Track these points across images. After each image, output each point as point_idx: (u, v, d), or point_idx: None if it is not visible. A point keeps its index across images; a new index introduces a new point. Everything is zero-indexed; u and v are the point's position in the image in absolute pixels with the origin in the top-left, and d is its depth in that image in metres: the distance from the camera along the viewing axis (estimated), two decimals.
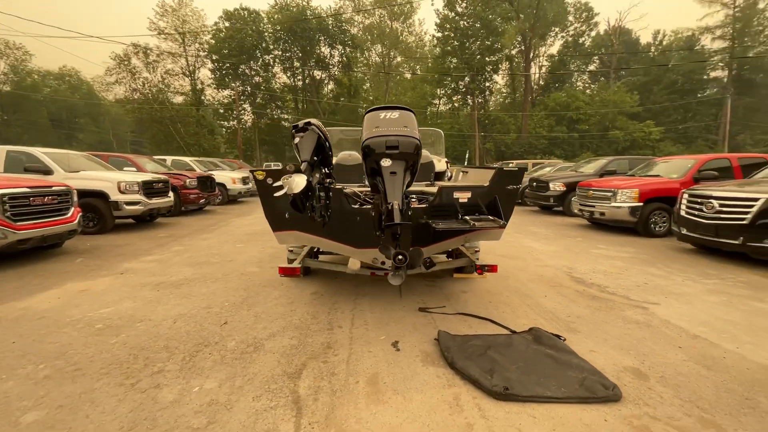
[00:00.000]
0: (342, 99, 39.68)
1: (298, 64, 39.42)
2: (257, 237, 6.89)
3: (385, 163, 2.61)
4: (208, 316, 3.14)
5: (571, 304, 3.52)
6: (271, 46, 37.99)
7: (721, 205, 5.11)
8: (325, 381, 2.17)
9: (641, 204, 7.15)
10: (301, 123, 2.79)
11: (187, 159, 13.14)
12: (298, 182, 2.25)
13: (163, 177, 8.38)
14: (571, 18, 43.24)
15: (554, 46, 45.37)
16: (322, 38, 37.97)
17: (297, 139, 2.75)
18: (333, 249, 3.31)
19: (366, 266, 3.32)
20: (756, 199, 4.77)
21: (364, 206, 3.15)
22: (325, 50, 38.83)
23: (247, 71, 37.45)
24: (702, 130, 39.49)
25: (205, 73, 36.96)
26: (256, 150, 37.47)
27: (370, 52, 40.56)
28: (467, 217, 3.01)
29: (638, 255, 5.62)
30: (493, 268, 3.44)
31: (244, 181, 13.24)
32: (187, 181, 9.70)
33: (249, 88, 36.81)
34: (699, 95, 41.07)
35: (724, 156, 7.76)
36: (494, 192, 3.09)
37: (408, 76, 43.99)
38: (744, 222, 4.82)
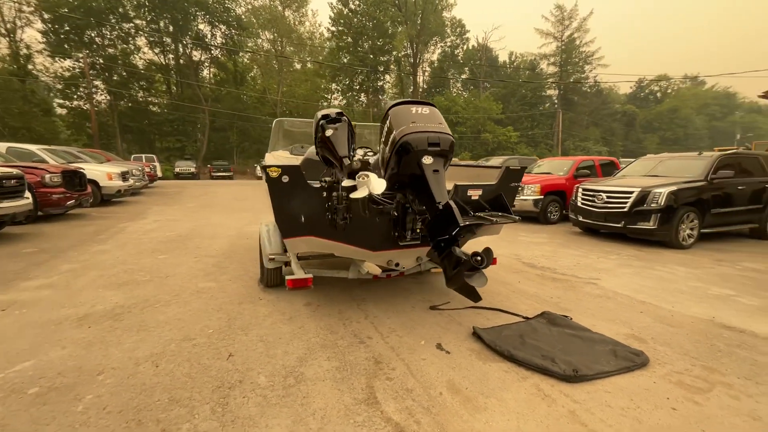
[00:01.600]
0: (226, 86, 35.69)
1: (169, 40, 33.67)
2: (179, 244, 5.72)
3: (427, 160, 2.50)
4: (200, 350, 2.49)
5: (543, 287, 4.02)
6: (132, 13, 31.42)
7: (608, 197, 6.55)
8: (408, 400, 1.99)
9: (542, 197, 8.58)
10: (332, 112, 2.44)
11: (32, 147, 9.86)
12: (378, 183, 1.97)
13: (15, 171, 6.16)
14: (448, 30, 48.28)
15: (434, 54, 50.02)
16: (200, 14, 33.26)
17: (330, 131, 2.40)
18: (349, 254, 3.00)
19: (385, 270, 3.13)
20: (631, 192, 6.26)
21: (384, 206, 2.95)
22: (205, 28, 34.17)
23: (98, 40, 30.13)
24: (543, 136, 49.32)
25: (32, 35, 28.16)
26: (116, 138, 30.69)
27: (259, 37, 37.42)
28: (481, 213, 3.13)
29: (553, 240, 6.75)
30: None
31: (124, 176, 10.75)
32: (48, 176, 7.35)
33: (101, 61, 29.69)
34: (540, 108, 51.05)
35: (590, 158, 9.91)
36: (500, 189, 3.29)
37: (298, 66, 42.24)
38: (624, 210, 6.28)
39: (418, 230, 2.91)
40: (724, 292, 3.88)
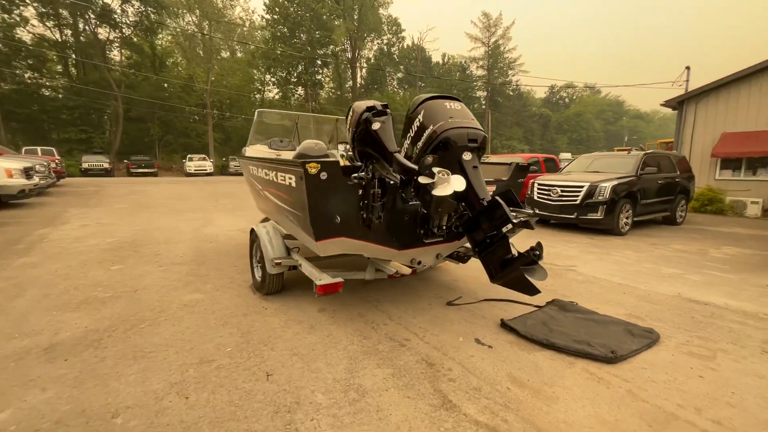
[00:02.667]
0: (143, 71, 31.61)
1: (66, 13, 28.66)
2: (130, 252, 4.94)
3: (467, 156, 2.48)
4: (230, 373, 2.17)
5: None
6: None
7: (562, 191, 7.23)
8: (482, 399, 1.97)
9: None
10: (377, 104, 2.27)
11: None
12: (459, 180, 1.87)
13: None
14: (385, 27, 48.78)
15: (371, 51, 50.22)
16: None
17: (377, 125, 2.23)
18: (377, 254, 2.85)
19: (410, 267, 3.04)
20: (582, 187, 6.99)
21: (412, 203, 2.86)
22: (113, 2, 29.73)
23: None
24: None
25: None
26: None
27: (182, 19, 33.65)
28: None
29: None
30: None
31: (28, 173, 8.93)
32: None
33: None
34: (471, 108, 54.36)
35: (536, 156, 10.83)
36: (510, 185, 3.41)
37: (226, 54, 39.08)
38: (576, 202, 7.00)
39: (444, 227, 2.89)
40: (674, 272, 4.54)
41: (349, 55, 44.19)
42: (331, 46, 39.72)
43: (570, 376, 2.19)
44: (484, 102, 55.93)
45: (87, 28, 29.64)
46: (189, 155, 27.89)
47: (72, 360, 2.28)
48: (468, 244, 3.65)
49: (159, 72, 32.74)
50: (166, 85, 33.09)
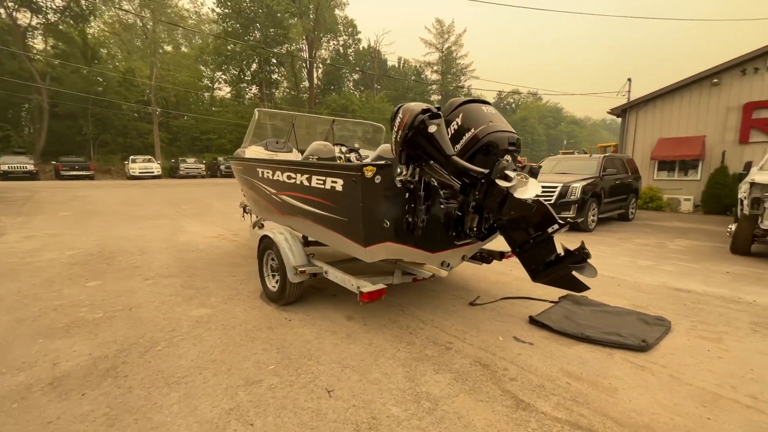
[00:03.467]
0: (72, 61, 28.31)
1: None
2: (103, 265, 4.40)
3: (507, 159, 2.52)
4: (286, 393, 2.01)
5: (525, 272, 4.50)
6: None
7: None
8: (550, 396, 2.01)
9: None
10: (431, 107, 2.23)
11: None
12: (536, 183, 1.89)
13: None
14: (341, 28, 48.47)
15: (327, 51, 49.65)
16: None
17: (433, 128, 2.19)
18: (414, 258, 2.79)
19: (444, 270, 3.02)
20: (556, 187, 7.48)
21: (449, 205, 2.85)
22: None
23: None
24: None
25: None
26: None
27: (120, 7, 30.55)
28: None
29: None
30: (510, 254, 3.91)
31: None
32: None
33: None
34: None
35: None
36: None
37: (169, 47, 36.29)
38: (551, 202, 7.46)
39: (474, 229, 2.92)
40: (648, 263, 5.02)
41: (305, 54, 43.28)
42: (286, 45, 38.57)
43: (615, 367, 2.32)
44: (436, 105, 57.77)
45: (3, 11, 25.93)
46: (131, 156, 25.50)
47: (91, 394, 1.97)
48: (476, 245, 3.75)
49: (91, 64, 29.54)
50: (100, 78, 29.93)
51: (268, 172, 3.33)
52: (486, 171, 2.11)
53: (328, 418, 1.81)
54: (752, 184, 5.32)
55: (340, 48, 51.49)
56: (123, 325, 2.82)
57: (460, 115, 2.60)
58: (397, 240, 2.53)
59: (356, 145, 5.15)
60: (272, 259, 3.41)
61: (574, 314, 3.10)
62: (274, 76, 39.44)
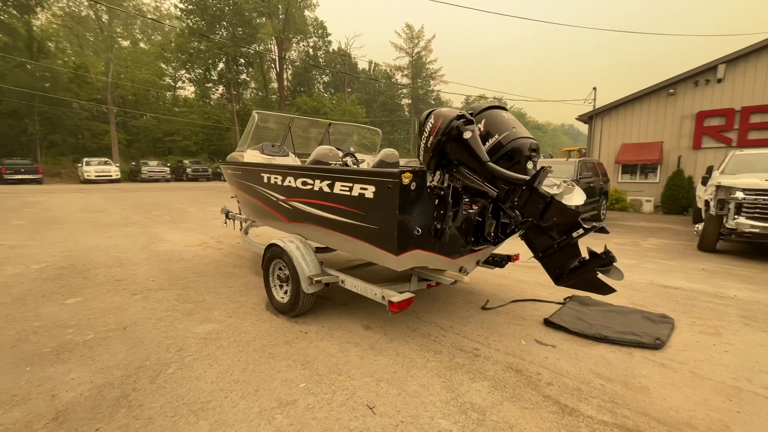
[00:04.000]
0: (15, 54, 25.87)
1: None
2: (78, 280, 4.01)
3: (530, 165, 2.56)
4: (326, 413, 1.89)
5: (528, 274, 4.61)
6: None
7: None
8: (590, 399, 2.04)
9: None
10: (464, 112, 2.20)
11: None
12: (580, 192, 1.89)
13: None
14: (311, 28, 47.88)
15: (299, 52, 48.88)
16: None
17: (468, 134, 2.17)
18: (437, 265, 2.75)
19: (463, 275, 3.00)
20: None
21: (469, 211, 2.84)
22: None
23: None
24: (402, 140, 54.65)
25: None
26: None
27: None
28: None
29: None
30: (516, 257, 3.96)
31: None
32: None
33: None
34: (398, 114, 56.48)
35: None
36: None
37: (125, 42, 34.08)
38: None
39: (491, 234, 2.94)
40: (631, 262, 5.30)
41: (274, 55, 42.33)
42: (254, 45, 37.50)
43: (639, 366, 2.40)
44: (407, 109, 58.40)
45: None
46: (85, 159, 23.68)
47: (107, 429, 1.75)
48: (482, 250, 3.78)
49: (38, 58, 27.16)
50: (48, 74, 27.56)
51: (275, 178, 3.17)
52: (527, 178, 2.12)
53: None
54: (718, 187, 5.78)
55: (310, 50, 50.88)
56: (121, 347, 2.56)
57: (483, 121, 2.61)
58: (424, 247, 2.48)
59: (351, 149, 5.06)
60: (280, 269, 3.26)
61: (585, 315, 3.20)
62: (242, 77, 38.15)
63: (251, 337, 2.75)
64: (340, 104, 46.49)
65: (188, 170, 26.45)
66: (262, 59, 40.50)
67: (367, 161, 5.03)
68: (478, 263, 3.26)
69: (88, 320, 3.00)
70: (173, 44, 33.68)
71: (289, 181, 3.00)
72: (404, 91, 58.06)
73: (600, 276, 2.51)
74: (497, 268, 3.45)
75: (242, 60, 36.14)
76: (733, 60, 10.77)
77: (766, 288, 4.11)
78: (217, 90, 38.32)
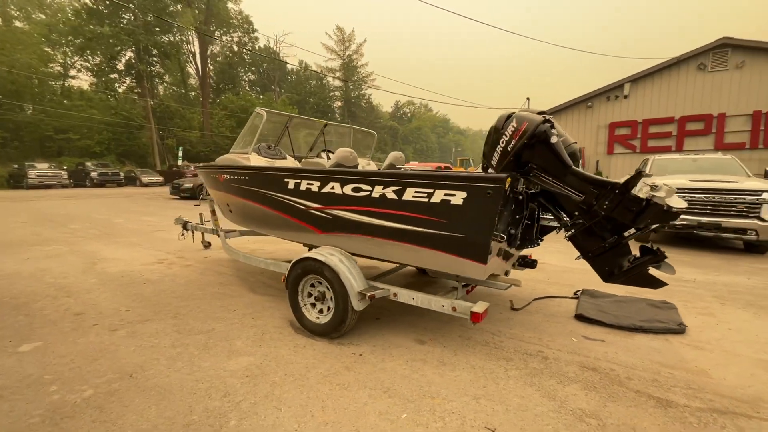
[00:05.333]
0: None
1: None
2: (22, 318, 3.09)
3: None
4: None
5: (528, 271, 4.84)
6: None
7: None
8: (674, 389, 2.17)
9: None
10: (545, 117, 2.16)
11: None
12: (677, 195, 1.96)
13: None
14: (235, 22, 44.70)
15: (222, 47, 45.28)
16: None
17: (555, 138, 2.14)
18: (499, 270, 2.68)
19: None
20: None
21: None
22: None
23: None
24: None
25: None
26: None
27: None
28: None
29: None
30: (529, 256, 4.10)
31: None
32: None
33: None
34: (330, 116, 55.73)
35: (441, 164, 12.08)
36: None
37: None
38: None
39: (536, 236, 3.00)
40: None
41: (194, 48, 38.60)
42: (169, 35, 33.67)
43: (683, 351, 2.64)
44: (338, 112, 58.00)
45: None
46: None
47: None
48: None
49: None
50: None
51: (309, 184, 2.81)
52: (619, 182, 2.18)
53: None
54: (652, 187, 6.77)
55: (235, 45, 47.59)
56: (144, 402, 2.01)
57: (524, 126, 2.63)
58: (498, 253, 2.41)
59: (328, 152, 4.79)
60: (312, 286, 2.90)
61: (603, 306, 3.44)
62: (157, 69, 34.00)
63: (302, 367, 2.38)
64: (271, 104, 44.25)
65: (93, 174, 22.64)
66: (179, 51, 36.60)
67: (362, 164, 4.79)
68: (514, 266, 3.30)
69: (71, 371, 2.31)
70: (63, 26, 28.59)
71: (332, 188, 2.68)
72: (336, 93, 57.59)
73: (651, 271, 2.71)
74: (528, 269, 3.53)
75: (155, 51, 32.17)
76: (636, 79, 12.82)
77: (710, 270, 4.91)
78: (124, 82, 33.54)
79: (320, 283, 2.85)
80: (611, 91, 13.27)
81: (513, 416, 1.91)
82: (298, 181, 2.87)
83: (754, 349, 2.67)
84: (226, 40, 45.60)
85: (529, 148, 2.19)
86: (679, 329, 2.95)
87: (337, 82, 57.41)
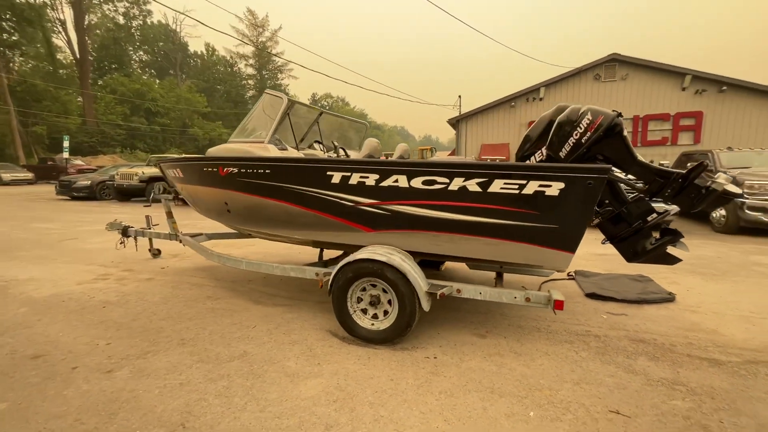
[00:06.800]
0: None
1: None
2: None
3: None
4: (598, 429, 1.70)
5: None
6: None
7: None
8: (704, 347, 2.52)
9: None
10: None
11: None
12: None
13: None
14: None
15: (104, 18, 38.10)
16: None
17: (625, 131, 2.25)
18: None
19: None
20: None
21: None
22: None
23: None
24: None
25: None
26: None
27: None
28: None
29: None
30: None
31: None
32: None
33: None
34: (246, 107, 51.50)
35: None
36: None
37: None
38: None
39: None
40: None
41: (63, 15, 31.73)
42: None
43: (688, 316, 3.10)
44: (252, 102, 53.95)
45: None
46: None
47: None
48: None
49: None
50: None
51: (363, 177, 2.49)
52: (683, 171, 2.40)
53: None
54: None
55: (121, 17, 40.65)
56: None
57: (585, 117, 2.77)
58: None
59: (335, 143, 4.45)
60: (363, 290, 2.63)
61: (601, 284, 3.85)
62: (14, 38, 27.11)
63: (386, 380, 2.14)
64: (173, 89, 39.01)
65: None
66: (43, 17, 29.78)
67: (363, 155, 4.49)
68: None
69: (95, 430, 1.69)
70: None
71: (396, 181, 2.42)
72: (250, 82, 53.44)
73: (669, 249, 3.09)
74: None
75: (11, 14, 25.60)
76: (549, 84, 14.62)
77: None
78: None
79: (374, 286, 2.60)
80: (530, 93, 14.91)
81: (619, 395, 2.00)
82: (348, 174, 2.54)
83: (730, 308, 3.27)
84: (108, 9, 38.64)
85: (603, 140, 2.30)
86: (670, 297, 3.46)
87: (250, 70, 53.36)
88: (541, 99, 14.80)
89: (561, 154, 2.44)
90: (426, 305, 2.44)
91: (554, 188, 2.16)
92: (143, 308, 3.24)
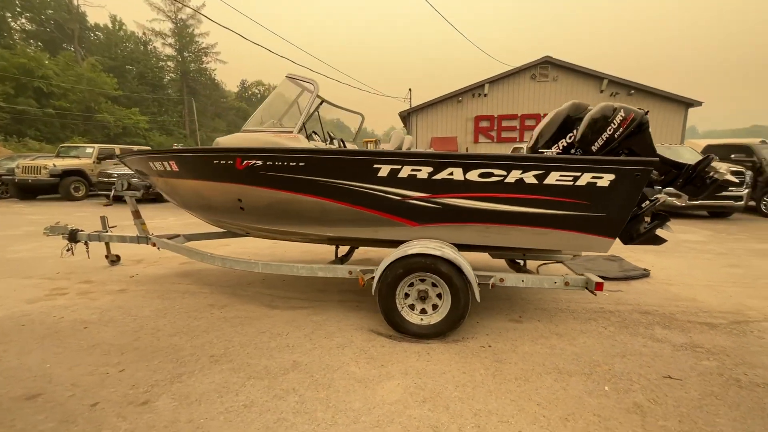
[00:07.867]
0: None
1: None
2: None
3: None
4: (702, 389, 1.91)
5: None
6: None
7: None
8: (693, 313, 2.96)
9: None
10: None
11: None
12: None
13: None
14: None
15: None
16: None
17: (650, 128, 2.48)
18: None
19: None
20: None
21: None
22: None
23: None
24: (175, 124, 45.19)
25: None
26: None
27: None
28: None
29: None
30: None
31: None
32: None
33: None
34: (167, 92, 46.20)
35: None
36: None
37: None
38: None
39: None
40: None
41: None
42: None
43: (666, 289, 3.59)
44: (172, 87, 48.51)
45: None
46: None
47: None
48: None
49: None
50: None
51: (415, 170, 2.39)
52: (693, 164, 2.71)
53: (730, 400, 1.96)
54: None
55: None
56: None
57: (619, 114, 3.00)
58: None
59: (331, 134, 4.24)
60: (410, 285, 2.57)
61: (587, 265, 4.28)
62: None
63: (460, 374, 2.14)
64: (72, 67, 33.27)
65: None
66: None
67: (393, 147, 4.30)
68: None
69: None
70: None
71: (450, 174, 2.37)
72: (170, 64, 47.79)
73: (657, 232, 3.53)
74: None
75: None
76: (493, 81, 15.55)
77: None
78: None
79: (422, 281, 2.55)
80: (475, 90, 15.73)
81: (662, 363, 2.26)
82: (398, 167, 2.43)
83: (694, 279, 3.88)
84: None
85: (633, 135, 2.53)
86: (646, 273, 3.98)
87: (169, 50, 47.70)
88: (485, 95, 15.72)
89: (593, 147, 2.64)
90: (478, 296, 2.47)
91: (605, 179, 2.33)
92: (138, 325, 2.77)
